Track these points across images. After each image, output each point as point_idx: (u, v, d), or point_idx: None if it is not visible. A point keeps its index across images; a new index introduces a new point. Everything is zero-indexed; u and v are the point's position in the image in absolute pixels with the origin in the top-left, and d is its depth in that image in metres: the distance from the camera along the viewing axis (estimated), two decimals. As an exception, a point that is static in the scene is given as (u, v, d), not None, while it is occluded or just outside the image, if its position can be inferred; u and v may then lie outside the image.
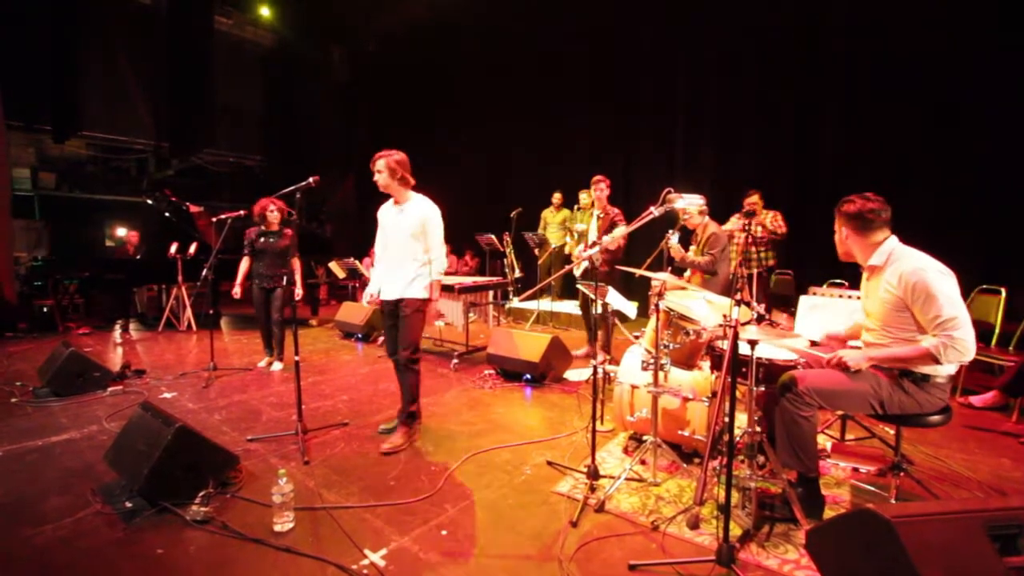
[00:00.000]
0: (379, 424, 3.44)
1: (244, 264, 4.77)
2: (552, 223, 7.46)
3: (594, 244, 2.79)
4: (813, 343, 2.64)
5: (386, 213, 3.24)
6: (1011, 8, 4.68)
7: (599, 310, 3.24)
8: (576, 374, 4.56)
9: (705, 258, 4.16)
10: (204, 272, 4.68)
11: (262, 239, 4.67)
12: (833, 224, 2.38)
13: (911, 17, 5.25)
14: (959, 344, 2.01)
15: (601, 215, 4.88)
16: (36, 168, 10.28)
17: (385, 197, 3.21)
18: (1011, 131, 4.76)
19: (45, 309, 6.94)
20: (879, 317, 2.26)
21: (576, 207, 6.30)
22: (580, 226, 5.22)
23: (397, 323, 3.16)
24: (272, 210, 4.66)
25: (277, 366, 4.83)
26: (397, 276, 3.14)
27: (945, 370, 2.15)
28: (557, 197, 7.44)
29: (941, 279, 2.07)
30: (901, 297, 2.13)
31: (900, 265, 2.15)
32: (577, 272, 4.82)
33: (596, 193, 4.84)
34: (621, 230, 3.16)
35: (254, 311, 4.85)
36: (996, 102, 4.84)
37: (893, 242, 2.23)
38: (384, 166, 3.02)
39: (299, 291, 4.55)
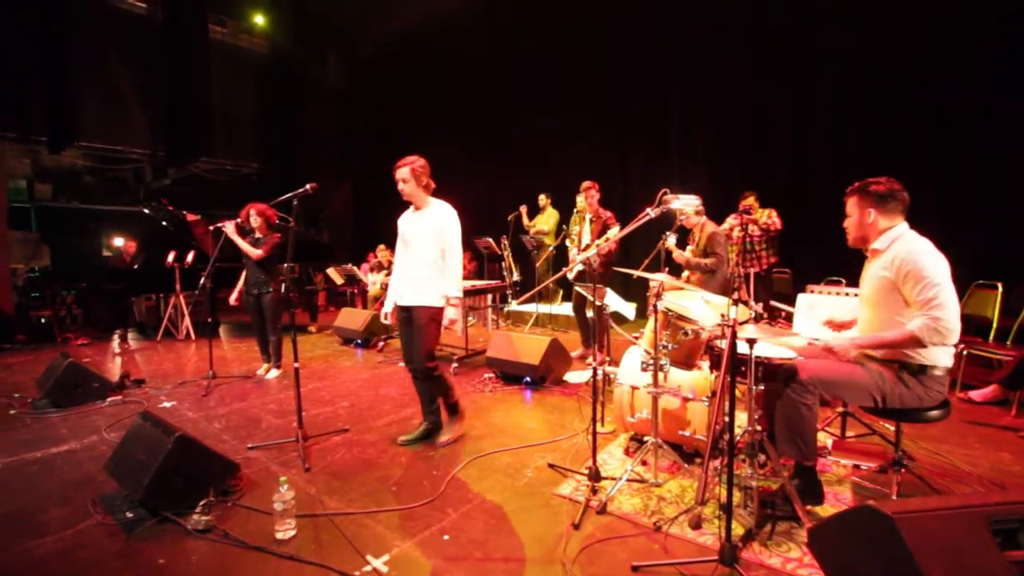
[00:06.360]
0: (380, 429, 3.45)
1: (244, 273, 4.78)
2: (538, 223, 7.47)
3: (587, 247, 2.81)
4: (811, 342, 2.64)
5: (406, 220, 3.18)
6: (1009, 5, 4.71)
7: (594, 312, 3.25)
8: (576, 376, 4.56)
9: (710, 259, 4.17)
10: (202, 280, 4.68)
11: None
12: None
13: (907, 15, 5.27)
14: (941, 325, 2.01)
15: (593, 219, 4.92)
16: (32, 179, 10.28)
17: (395, 203, 3.20)
18: (1005, 127, 4.77)
19: (43, 320, 6.93)
20: (870, 297, 2.28)
21: (575, 211, 6.32)
22: (576, 228, 5.25)
23: (412, 331, 3.10)
24: (252, 215, 4.65)
25: (273, 373, 4.82)
26: (415, 282, 3.08)
27: (942, 362, 2.16)
28: (542, 199, 7.47)
29: (931, 261, 2.09)
30: (891, 279, 2.15)
31: (896, 246, 2.18)
32: (570, 276, 4.84)
33: (587, 199, 4.90)
34: (615, 232, 3.17)
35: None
36: (991, 99, 4.86)
37: (903, 229, 2.24)
38: (409, 173, 3.00)
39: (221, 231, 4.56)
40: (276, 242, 4.62)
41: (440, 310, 3.06)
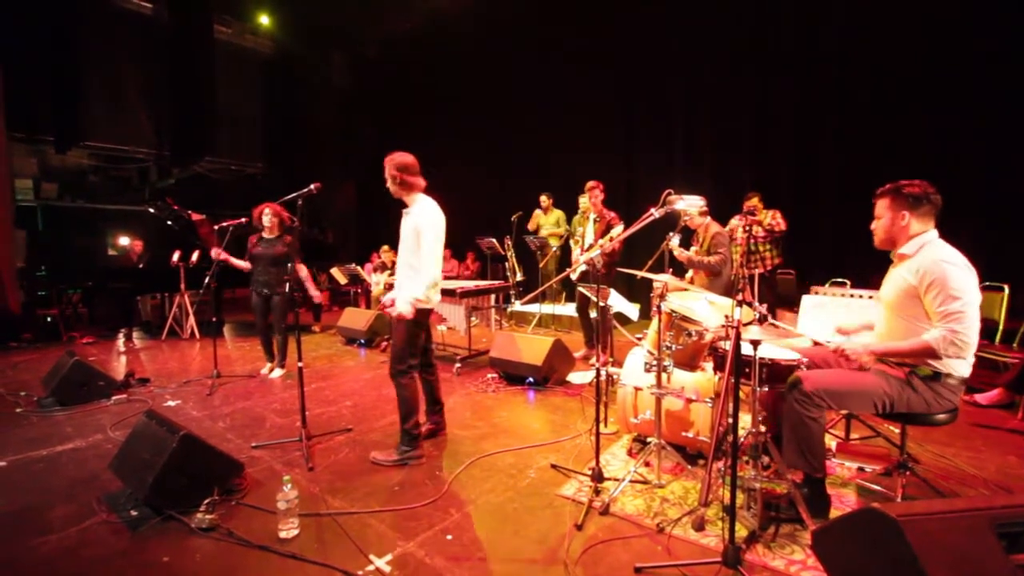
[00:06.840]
0: (383, 429, 3.45)
1: (244, 264, 4.72)
2: (545, 224, 7.47)
3: (591, 247, 2.78)
4: (816, 343, 2.63)
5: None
6: (1009, 5, 4.68)
7: (598, 312, 3.25)
8: (579, 377, 4.56)
9: (715, 257, 4.16)
10: (206, 280, 4.69)
11: (258, 246, 4.67)
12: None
13: (910, 17, 5.25)
14: (960, 338, 1.99)
15: (597, 219, 4.91)
16: (39, 178, 10.35)
17: (398, 203, 3.16)
18: (1012, 128, 4.75)
19: (49, 319, 6.97)
20: (891, 302, 2.24)
21: (579, 211, 6.32)
22: (580, 229, 5.25)
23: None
24: (267, 214, 4.64)
25: (277, 373, 4.83)
26: (397, 281, 3.06)
27: (960, 371, 2.12)
28: (544, 199, 7.45)
29: (960, 273, 2.04)
30: (915, 285, 2.11)
31: (924, 252, 2.14)
32: (574, 276, 4.84)
33: (591, 199, 4.90)
34: (619, 231, 3.16)
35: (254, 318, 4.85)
36: (996, 100, 4.83)
37: (933, 235, 2.20)
38: (387, 172, 2.96)
39: (316, 293, 4.45)
40: (295, 245, 4.61)
41: (414, 311, 2.87)
